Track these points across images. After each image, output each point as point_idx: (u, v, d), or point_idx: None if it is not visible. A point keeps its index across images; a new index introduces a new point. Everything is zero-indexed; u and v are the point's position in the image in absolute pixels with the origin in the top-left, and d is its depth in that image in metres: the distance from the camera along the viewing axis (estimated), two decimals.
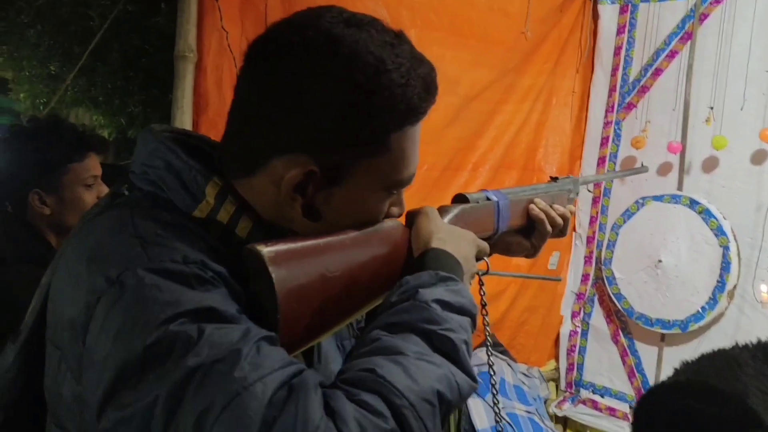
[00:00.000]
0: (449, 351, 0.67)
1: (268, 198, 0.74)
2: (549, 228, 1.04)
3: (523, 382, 2.84)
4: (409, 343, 0.66)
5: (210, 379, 0.58)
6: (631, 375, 2.82)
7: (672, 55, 2.72)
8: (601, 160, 2.96)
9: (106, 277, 0.64)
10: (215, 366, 0.58)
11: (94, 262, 0.67)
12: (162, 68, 2.87)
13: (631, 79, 2.86)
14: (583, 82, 3.01)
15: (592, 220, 2.98)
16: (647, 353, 2.75)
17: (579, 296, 3.02)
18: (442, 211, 0.90)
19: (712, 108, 2.50)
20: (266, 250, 0.68)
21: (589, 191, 2.99)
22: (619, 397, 2.86)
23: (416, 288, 0.71)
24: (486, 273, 0.92)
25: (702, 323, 2.51)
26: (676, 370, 0.64)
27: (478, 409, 2.58)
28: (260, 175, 0.74)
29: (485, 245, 0.89)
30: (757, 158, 2.43)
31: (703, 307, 2.50)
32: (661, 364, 2.68)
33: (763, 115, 2.39)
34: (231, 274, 0.68)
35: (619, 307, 2.79)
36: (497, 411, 1.09)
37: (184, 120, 1.84)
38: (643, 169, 1.44)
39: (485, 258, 0.90)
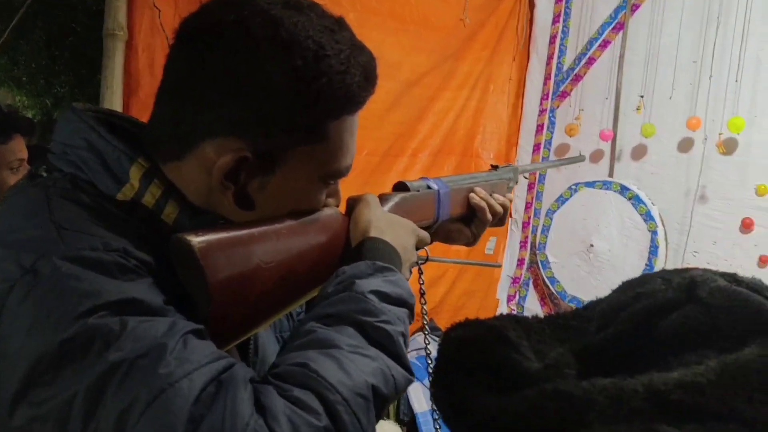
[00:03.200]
0: (385, 343, 0.66)
1: (198, 184, 0.71)
2: (489, 216, 1.05)
3: None
4: (344, 336, 0.64)
5: (133, 375, 0.55)
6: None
7: (605, 44, 2.79)
8: (536, 147, 3.02)
9: (20, 264, 0.60)
10: (138, 361, 0.55)
11: (5, 247, 0.63)
12: (90, 47, 2.76)
13: (565, 68, 2.92)
14: (519, 70, 3.06)
15: (528, 206, 3.05)
16: None
17: (514, 280, 3.08)
18: (382, 199, 0.89)
19: (642, 96, 2.58)
20: (196, 240, 0.65)
21: (525, 177, 3.04)
22: None
23: (353, 278, 0.70)
24: (426, 261, 0.91)
25: None
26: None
27: (417, 393, 2.61)
28: (190, 160, 0.71)
29: (425, 234, 0.88)
30: (684, 146, 2.52)
31: None
32: None
33: (690, 104, 2.48)
34: (158, 262, 0.65)
35: (553, 290, 2.86)
36: None
37: (113, 101, 1.76)
38: (580, 158, 1.48)
39: (425, 247, 0.90)
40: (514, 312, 3.04)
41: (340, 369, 0.61)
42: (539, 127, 3.01)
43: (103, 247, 0.61)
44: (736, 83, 2.34)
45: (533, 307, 3.01)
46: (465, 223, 1.05)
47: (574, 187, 2.79)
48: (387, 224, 0.81)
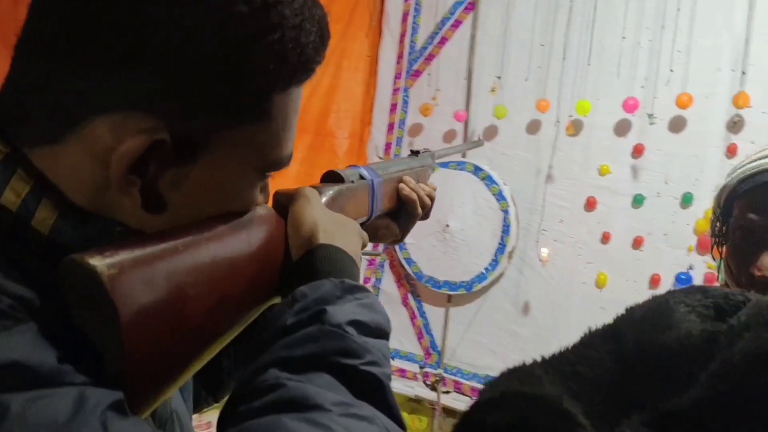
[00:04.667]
0: (376, 395, 0.49)
1: (84, 177, 0.50)
2: (419, 210, 0.92)
3: None
4: (325, 389, 0.47)
5: None
6: (419, 336, 2.90)
7: (456, 24, 2.78)
8: (390, 127, 2.97)
9: None
10: None
11: None
12: None
13: (418, 46, 2.89)
14: (372, 47, 2.98)
15: None
16: (434, 314, 2.85)
17: (370, 262, 3.03)
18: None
19: (499, 78, 2.61)
20: (104, 264, 0.45)
21: (380, 157, 2.99)
22: (409, 358, 2.94)
23: (320, 304, 0.53)
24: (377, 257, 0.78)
25: (485, 283, 2.65)
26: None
27: None
28: (71, 143, 0.50)
29: (366, 235, 0.73)
30: (534, 127, 2.59)
31: (486, 269, 2.64)
32: (448, 323, 2.79)
33: (540, 86, 2.54)
34: (41, 295, 0.45)
35: (409, 271, 2.84)
36: None
37: None
38: (480, 142, 1.41)
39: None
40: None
41: None
42: (393, 107, 2.96)
43: None
44: (588, 66, 2.44)
45: (389, 290, 2.97)
46: (392, 217, 0.92)
47: None
48: (335, 226, 0.64)
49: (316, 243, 0.60)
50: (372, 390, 0.49)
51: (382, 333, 0.55)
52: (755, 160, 0.99)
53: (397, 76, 2.95)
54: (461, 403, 2.74)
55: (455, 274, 2.71)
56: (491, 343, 2.67)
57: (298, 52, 0.54)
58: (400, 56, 2.94)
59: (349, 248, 0.62)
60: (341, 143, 2.85)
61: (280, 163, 0.59)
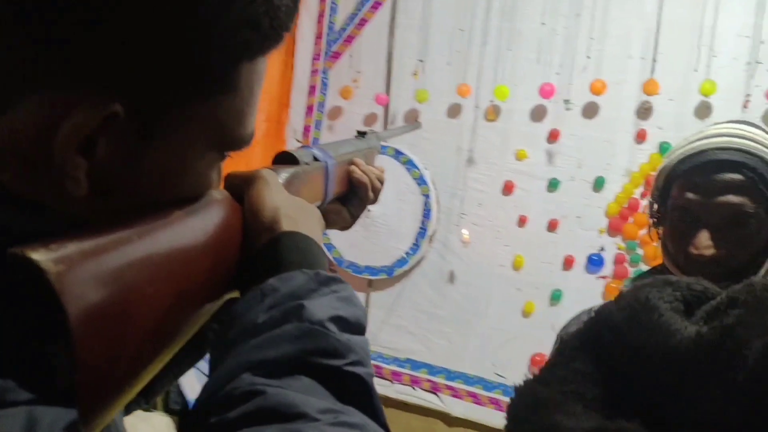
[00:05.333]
0: (363, 399, 0.44)
1: (19, 156, 0.44)
2: (371, 194, 0.87)
3: None
4: (309, 395, 0.41)
5: None
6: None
7: (376, 6, 2.74)
8: (309, 109, 2.90)
9: None
10: None
11: None
12: None
13: (337, 27, 2.83)
14: None
15: None
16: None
17: None
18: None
19: (422, 61, 2.59)
20: (48, 258, 0.38)
21: (298, 141, 2.92)
22: None
23: (295, 299, 0.47)
24: None
25: (406, 267, 2.65)
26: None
27: (189, 379, 2.39)
28: (6, 122, 0.43)
29: (323, 222, 0.67)
30: (453, 112, 2.60)
31: (407, 253, 2.64)
32: (368, 308, 2.78)
33: (460, 71, 2.55)
34: None
35: (329, 256, 2.80)
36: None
37: None
38: (418, 125, 1.37)
39: None
40: None
41: None
42: (311, 89, 2.89)
43: None
44: (508, 52, 2.47)
45: None
46: (342, 202, 0.86)
47: None
48: (297, 211, 0.58)
49: (279, 230, 0.54)
50: (358, 393, 0.44)
51: (362, 328, 0.50)
52: (693, 142, 1.02)
53: (316, 57, 2.88)
54: (381, 387, 2.74)
55: (376, 259, 2.70)
56: (412, 326, 2.68)
57: (271, 17, 0.48)
58: (318, 36, 2.87)
59: (314, 236, 0.56)
60: (258, 126, 2.74)
61: (242, 141, 0.54)
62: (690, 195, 0.98)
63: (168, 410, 2.46)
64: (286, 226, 0.54)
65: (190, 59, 0.45)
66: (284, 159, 0.71)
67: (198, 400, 0.44)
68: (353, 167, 0.86)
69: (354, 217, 0.89)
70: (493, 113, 2.50)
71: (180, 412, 2.44)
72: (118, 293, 0.42)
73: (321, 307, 0.47)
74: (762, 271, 0.93)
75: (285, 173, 0.66)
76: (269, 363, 0.43)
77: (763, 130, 0.97)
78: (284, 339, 0.44)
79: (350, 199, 0.87)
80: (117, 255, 0.43)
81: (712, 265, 0.96)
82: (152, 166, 0.48)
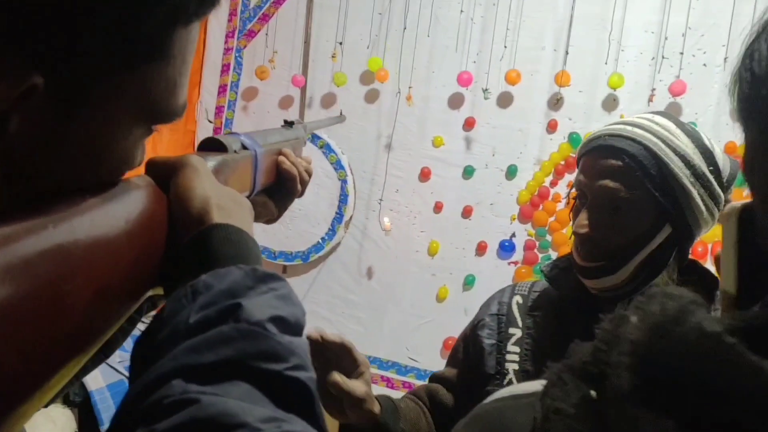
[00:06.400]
0: (305, 405, 0.40)
1: None
2: (299, 187, 0.82)
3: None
4: (248, 403, 0.37)
5: None
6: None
7: None
8: (222, 89, 2.80)
9: None
10: None
11: None
12: None
13: (251, 5, 2.74)
14: None
15: None
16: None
17: None
18: None
19: (341, 44, 2.55)
20: None
21: (210, 121, 2.81)
22: None
23: (231, 297, 0.42)
24: None
25: (321, 253, 2.62)
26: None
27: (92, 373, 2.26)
28: None
29: (253, 213, 0.61)
30: (372, 97, 2.58)
31: (323, 238, 2.61)
32: None
33: (379, 55, 2.52)
34: None
35: None
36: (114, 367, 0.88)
37: None
38: (342, 118, 1.33)
39: None
40: None
41: None
42: (225, 67, 2.79)
43: None
44: (427, 38, 2.46)
45: None
46: (268, 194, 0.81)
47: None
48: (230, 202, 0.52)
49: (210, 222, 0.49)
50: (300, 400, 0.40)
51: (301, 329, 0.46)
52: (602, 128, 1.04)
53: (229, 35, 2.78)
54: None
55: (291, 245, 2.65)
56: (327, 312, 2.65)
57: None
58: (232, 13, 2.76)
59: (247, 228, 0.51)
60: None
61: (174, 113, 0.49)
62: (581, 177, 1.02)
63: (68, 402, 2.32)
64: (218, 217, 0.50)
65: (119, 23, 0.40)
66: (211, 145, 0.66)
67: (120, 409, 0.39)
68: (282, 158, 0.81)
69: (280, 210, 0.83)
70: (412, 99, 2.50)
71: (80, 404, 2.30)
72: (34, 291, 0.37)
73: (260, 306, 0.42)
74: (637, 258, 0.97)
75: (213, 161, 0.61)
76: (204, 367, 0.38)
77: (678, 123, 0.99)
78: (220, 341, 0.40)
79: (277, 191, 0.82)
80: (26, 245, 0.38)
81: (588, 244, 0.99)
82: (73, 146, 0.42)
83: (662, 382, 0.33)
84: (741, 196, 2.26)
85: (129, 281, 0.46)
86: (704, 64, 2.22)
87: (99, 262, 0.42)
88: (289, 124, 0.90)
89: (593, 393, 0.36)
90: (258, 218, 0.80)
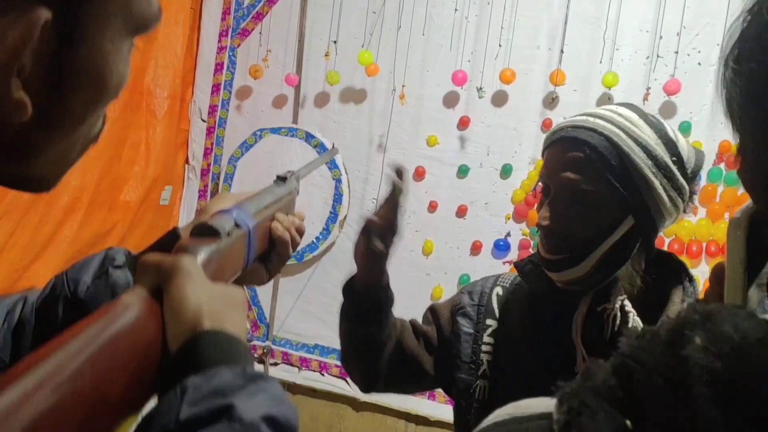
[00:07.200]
0: None
1: None
2: (291, 251, 0.81)
3: None
4: None
5: None
6: (248, 308, 2.80)
7: None
8: (216, 88, 2.79)
9: None
10: None
11: None
12: None
13: (246, 3, 2.73)
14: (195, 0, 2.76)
15: (207, 152, 2.81)
16: (263, 286, 2.76)
17: None
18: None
19: (335, 42, 2.54)
20: None
21: (204, 120, 2.80)
22: None
23: (222, 396, 0.42)
24: None
25: (316, 252, 2.61)
26: None
27: None
28: None
29: (247, 299, 0.61)
30: (362, 95, 2.57)
31: (317, 237, 2.59)
32: (277, 294, 2.72)
33: (373, 54, 2.51)
34: None
35: None
36: None
37: None
38: (335, 151, 1.31)
39: None
40: None
41: None
42: (218, 66, 2.77)
43: None
44: (422, 37, 2.45)
45: None
46: (261, 259, 0.80)
47: (258, 132, 2.65)
48: (222, 305, 0.53)
49: (201, 329, 0.50)
50: None
51: (294, 430, 0.46)
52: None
53: (224, 34, 2.76)
54: (289, 374, 2.70)
55: None
56: (321, 312, 2.64)
57: None
58: (226, 12, 2.75)
59: (238, 328, 0.52)
60: (160, 103, 2.61)
61: (154, 18, 0.52)
62: (544, 170, 1.02)
63: None
64: (209, 323, 0.50)
65: None
66: (204, 230, 0.65)
67: None
68: (275, 224, 0.79)
69: (271, 274, 0.82)
70: (406, 98, 2.49)
71: None
72: (58, 403, 0.39)
73: (252, 405, 0.43)
74: (599, 250, 0.96)
75: (206, 251, 0.60)
76: None
77: (640, 114, 0.99)
78: None
79: (269, 256, 0.80)
80: (52, 374, 0.40)
81: (551, 237, 0.99)
82: (78, 73, 0.45)
83: (756, 417, 0.28)
84: (735, 195, 2.25)
85: (127, 399, 0.46)
86: (699, 63, 2.22)
87: (95, 399, 0.43)
88: (281, 179, 0.88)
89: (628, 423, 0.32)
90: (247, 284, 0.79)
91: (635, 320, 0.94)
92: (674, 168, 0.95)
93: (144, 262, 0.54)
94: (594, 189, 0.94)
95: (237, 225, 0.68)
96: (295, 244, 0.82)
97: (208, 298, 0.52)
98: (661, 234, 1.06)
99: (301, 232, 0.83)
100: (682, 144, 0.97)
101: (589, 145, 0.94)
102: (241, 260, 0.69)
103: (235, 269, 0.67)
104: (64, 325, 0.62)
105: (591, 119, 0.97)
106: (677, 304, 0.97)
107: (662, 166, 0.94)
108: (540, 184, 1.04)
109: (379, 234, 1.08)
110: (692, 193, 0.99)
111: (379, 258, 1.11)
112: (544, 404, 0.39)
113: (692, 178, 0.98)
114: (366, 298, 1.12)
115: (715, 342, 0.30)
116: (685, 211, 1.00)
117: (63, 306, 0.69)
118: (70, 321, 0.59)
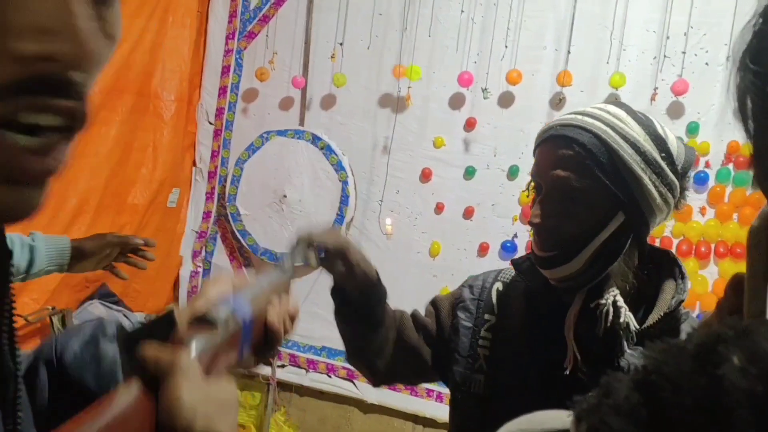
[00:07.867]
0: None
1: None
2: (282, 340, 0.79)
3: None
4: None
5: None
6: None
7: None
8: (223, 90, 2.80)
9: None
10: None
11: None
12: None
13: (252, 6, 2.73)
14: (202, 2, 2.77)
15: (214, 155, 2.82)
16: None
17: (200, 235, 2.86)
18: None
19: (341, 44, 2.54)
20: None
21: (211, 123, 2.81)
22: None
23: None
24: None
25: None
26: None
27: None
28: None
29: (238, 406, 0.63)
30: (370, 97, 2.57)
31: None
32: None
33: (377, 55, 2.52)
34: None
35: (244, 243, 2.72)
36: None
37: None
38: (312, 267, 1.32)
39: None
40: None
41: None
42: (225, 69, 2.78)
43: None
44: (428, 38, 2.45)
45: (221, 263, 2.83)
46: (254, 350, 0.78)
47: (265, 135, 2.66)
48: (216, 408, 0.55)
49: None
50: None
51: None
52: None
53: (230, 37, 2.77)
54: (296, 375, 2.70)
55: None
56: (328, 314, 2.61)
57: None
58: (232, 15, 2.76)
59: (229, 430, 0.54)
60: (167, 106, 2.62)
61: None
62: (535, 168, 1.03)
63: None
64: (201, 427, 0.52)
65: None
66: (202, 320, 0.66)
67: None
68: (269, 314, 0.78)
69: (258, 362, 0.80)
70: (411, 100, 2.49)
71: None
72: None
73: None
74: (590, 247, 0.96)
75: (201, 344, 0.61)
76: None
77: (629, 112, 0.99)
78: None
79: (261, 344, 0.79)
80: None
81: (543, 234, 1.00)
82: None
83: None
84: (744, 196, 2.23)
85: None
86: (706, 63, 2.21)
87: None
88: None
89: None
90: (237, 371, 0.79)
91: (627, 315, 0.95)
92: (663, 164, 0.96)
93: (143, 356, 0.55)
94: (584, 186, 0.95)
95: (234, 314, 0.69)
96: (286, 332, 0.81)
97: (202, 400, 0.53)
98: (667, 234, 1.06)
99: (293, 319, 0.81)
100: (672, 140, 0.98)
101: (579, 142, 0.95)
102: (234, 354, 0.70)
103: (230, 361, 0.68)
104: (43, 390, 0.63)
105: (580, 117, 0.98)
106: (667, 300, 0.97)
107: (651, 162, 0.95)
108: (532, 182, 1.05)
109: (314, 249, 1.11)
110: (683, 189, 1.00)
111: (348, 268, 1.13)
112: (559, 420, 0.37)
113: (683, 174, 0.99)
114: (357, 298, 1.14)
115: (755, 362, 0.28)
116: (677, 207, 1.01)
117: (47, 369, 0.69)
118: (51, 385, 0.61)
